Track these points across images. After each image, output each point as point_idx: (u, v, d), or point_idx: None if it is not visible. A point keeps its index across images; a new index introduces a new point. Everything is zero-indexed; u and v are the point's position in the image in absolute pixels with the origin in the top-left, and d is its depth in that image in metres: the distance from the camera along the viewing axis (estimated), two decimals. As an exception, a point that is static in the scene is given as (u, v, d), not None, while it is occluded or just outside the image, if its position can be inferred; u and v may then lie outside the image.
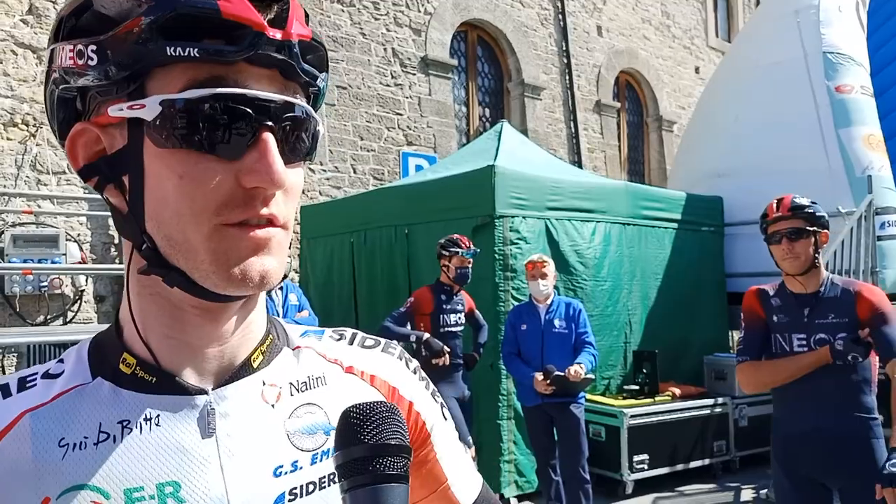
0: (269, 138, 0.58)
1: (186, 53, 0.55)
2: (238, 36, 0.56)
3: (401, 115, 9.02)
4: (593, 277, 5.75)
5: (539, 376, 4.15)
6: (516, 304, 4.92)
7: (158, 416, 0.62)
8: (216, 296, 0.60)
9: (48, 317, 6.52)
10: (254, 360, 0.67)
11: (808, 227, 2.61)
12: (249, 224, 0.58)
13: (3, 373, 6.27)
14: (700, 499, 5.39)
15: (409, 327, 4.59)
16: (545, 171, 6.00)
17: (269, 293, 5.40)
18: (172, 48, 0.55)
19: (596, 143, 11.50)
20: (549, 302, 4.40)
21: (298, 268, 7.35)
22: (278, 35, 0.57)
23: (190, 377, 0.64)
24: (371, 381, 0.75)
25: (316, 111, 0.65)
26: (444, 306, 4.60)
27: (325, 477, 0.67)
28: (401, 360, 0.79)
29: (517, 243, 5.27)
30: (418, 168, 8.79)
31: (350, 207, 6.66)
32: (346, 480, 0.54)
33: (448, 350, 4.45)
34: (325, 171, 8.30)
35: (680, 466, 5.63)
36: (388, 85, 8.94)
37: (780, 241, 2.63)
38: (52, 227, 6.53)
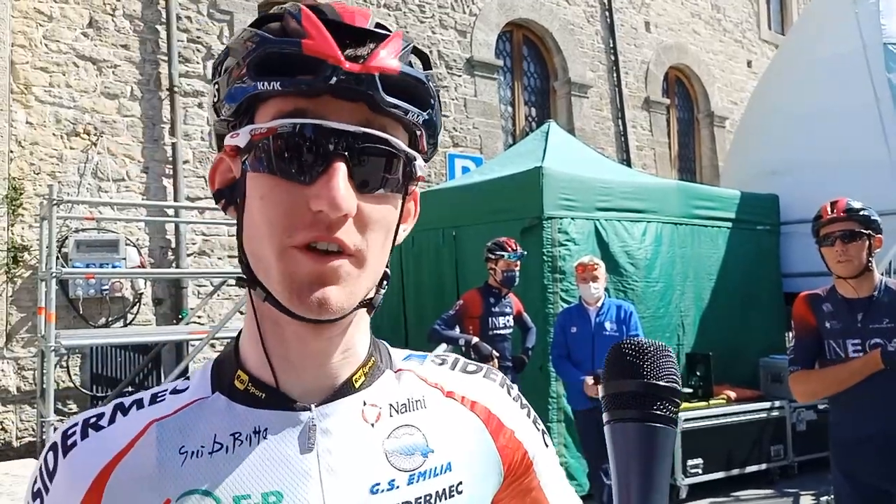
0: (339, 166, 0.60)
1: (272, 87, 0.60)
2: (320, 70, 0.60)
3: (447, 116, 9.04)
4: (644, 279, 5.66)
5: (589, 380, 4.11)
6: (565, 305, 4.89)
7: (266, 429, 0.66)
8: (295, 314, 0.63)
9: (109, 319, 6.76)
10: (356, 381, 0.70)
11: (862, 230, 2.58)
12: (317, 250, 0.61)
13: (69, 373, 6.52)
14: (757, 505, 5.26)
15: (457, 330, 4.60)
16: (593, 170, 5.94)
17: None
18: (262, 83, 0.61)
19: (645, 141, 11.32)
20: (599, 304, 4.36)
21: (348, 270, 7.44)
22: (355, 68, 0.60)
23: (295, 394, 0.68)
24: (471, 406, 0.75)
25: (428, 146, 0.69)
26: (493, 309, 4.60)
27: (421, 497, 0.68)
28: (502, 386, 0.79)
29: (566, 245, 5.23)
30: (465, 170, 8.80)
31: (398, 210, 6.70)
32: (615, 411, 0.56)
33: (497, 354, 4.45)
34: (372, 173, 8.37)
35: (735, 471, 5.51)
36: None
37: (834, 242, 2.59)
38: (113, 232, 6.77)
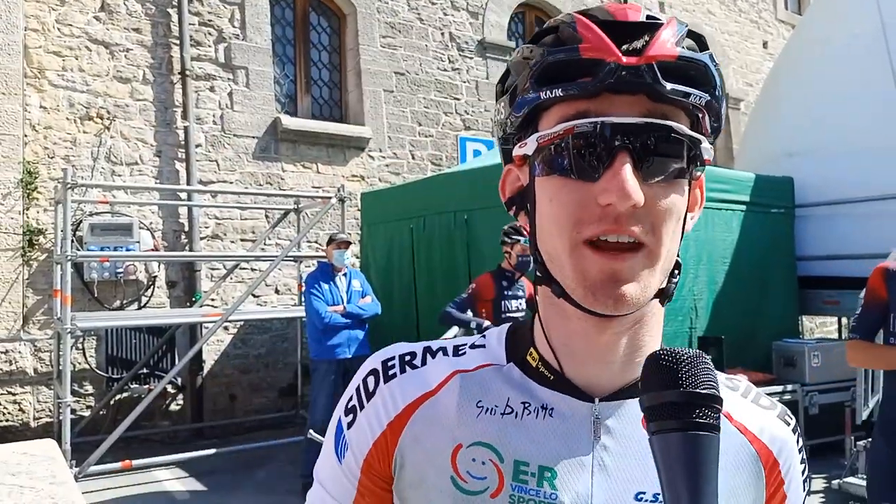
0: (623, 158, 0.61)
1: (553, 94, 0.64)
2: (598, 69, 0.62)
3: (458, 99, 9.00)
4: (656, 262, 5.64)
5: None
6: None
7: (552, 409, 0.70)
8: (588, 310, 0.65)
9: (124, 301, 6.83)
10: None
11: None
12: (607, 244, 0.63)
13: (84, 355, 6.60)
14: (768, 488, 5.26)
15: (470, 313, 4.61)
16: (606, 154, 5.89)
17: (333, 279, 5.51)
18: (544, 91, 0.64)
19: (658, 124, 11.22)
20: (611, 288, 4.35)
21: (360, 253, 7.46)
22: (633, 61, 0.61)
23: (579, 384, 0.71)
24: (754, 442, 0.73)
25: (712, 128, 0.68)
26: (506, 292, 4.61)
27: None
28: (794, 433, 0.77)
29: (578, 228, 5.21)
30: (476, 153, 8.77)
31: (410, 193, 6.70)
32: (656, 423, 0.56)
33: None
34: (383, 157, 8.37)
35: (747, 455, 5.50)
36: (445, 70, 8.93)
37: None
38: (126, 216, 6.81)
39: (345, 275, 5.58)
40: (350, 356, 5.26)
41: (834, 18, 7.27)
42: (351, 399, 0.75)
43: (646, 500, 0.67)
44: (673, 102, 0.63)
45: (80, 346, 6.56)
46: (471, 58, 9.13)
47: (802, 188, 6.71)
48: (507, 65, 0.70)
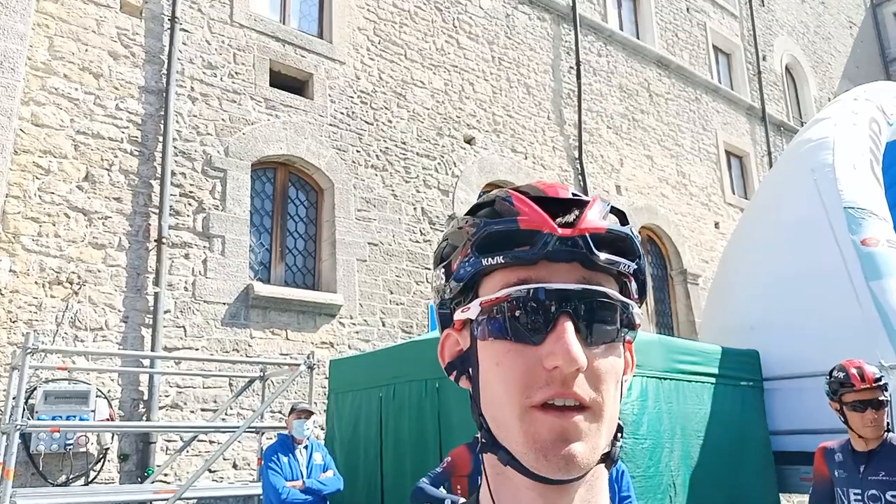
0: (565, 323, 0.65)
1: (496, 261, 0.68)
2: (536, 240, 0.67)
3: (429, 269, 9.21)
4: (632, 435, 5.54)
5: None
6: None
7: None
8: (539, 476, 0.65)
9: (70, 476, 6.37)
10: None
11: (886, 398, 2.91)
12: (555, 406, 0.65)
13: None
14: None
15: (443, 490, 4.39)
16: (576, 324, 5.98)
17: (293, 451, 5.26)
18: (486, 259, 0.69)
19: (622, 297, 11.53)
20: (589, 462, 4.22)
21: (325, 424, 7.19)
22: (567, 232, 0.67)
23: None
24: None
25: (637, 293, 0.73)
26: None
27: None
28: None
29: (552, 399, 5.15)
30: (447, 322, 8.80)
31: (379, 361, 6.62)
32: None
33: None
34: (354, 324, 8.37)
35: None
36: (417, 241, 9.24)
37: (865, 409, 2.88)
38: (85, 382, 6.55)
39: (305, 447, 5.34)
40: (311, 536, 4.89)
41: (780, 203, 7.83)
42: None
43: None
44: (604, 270, 0.69)
45: (14, 526, 5.99)
46: (441, 230, 9.49)
47: (766, 361, 6.82)
48: (444, 234, 0.74)
